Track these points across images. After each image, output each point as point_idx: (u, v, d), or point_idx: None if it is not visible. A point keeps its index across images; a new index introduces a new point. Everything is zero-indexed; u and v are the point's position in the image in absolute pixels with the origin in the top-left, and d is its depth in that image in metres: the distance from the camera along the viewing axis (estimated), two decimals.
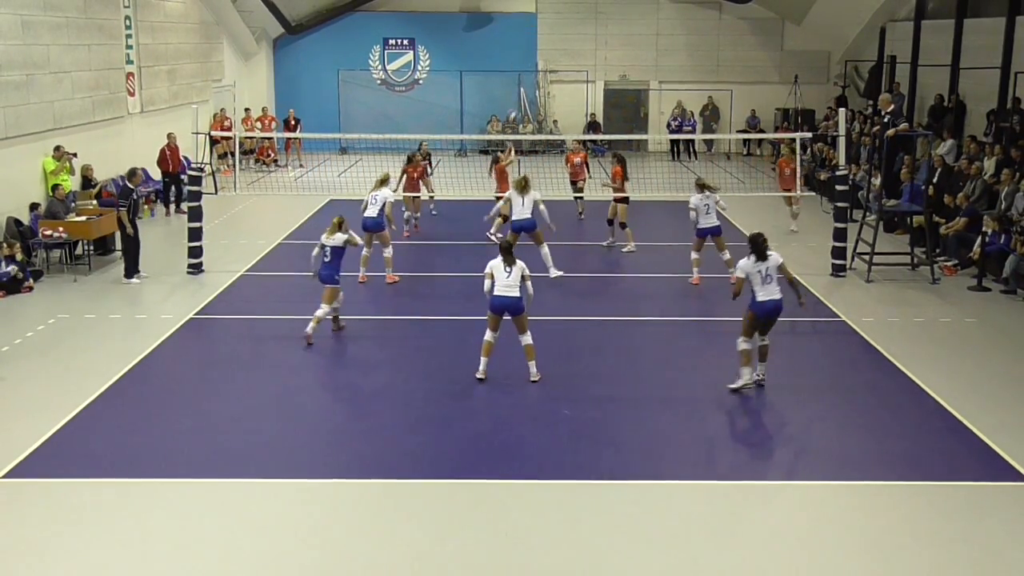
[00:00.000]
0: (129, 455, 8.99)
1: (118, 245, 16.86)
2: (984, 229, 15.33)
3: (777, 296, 10.43)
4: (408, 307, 14.04)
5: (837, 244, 15.75)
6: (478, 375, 10.84)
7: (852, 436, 9.55)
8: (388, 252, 14.92)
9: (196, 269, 15.62)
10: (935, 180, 18.11)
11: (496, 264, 10.79)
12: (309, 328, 11.98)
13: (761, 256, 10.41)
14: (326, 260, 12.14)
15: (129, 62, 21.11)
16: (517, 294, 10.71)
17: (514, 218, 15.13)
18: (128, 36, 21.08)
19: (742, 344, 10.55)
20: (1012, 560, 7.32)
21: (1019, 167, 17.03)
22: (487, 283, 10.75)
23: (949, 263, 15.95)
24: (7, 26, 16.08)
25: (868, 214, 17.11)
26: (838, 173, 16.23)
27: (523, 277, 10.76)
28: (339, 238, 12.18)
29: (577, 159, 19.95)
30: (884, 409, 10.23)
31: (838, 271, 15.62)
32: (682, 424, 9.86)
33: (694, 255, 15.07)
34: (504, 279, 10.69)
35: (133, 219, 15.19)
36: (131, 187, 15.51)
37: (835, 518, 7.97)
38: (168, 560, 7.24)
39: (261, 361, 11.82)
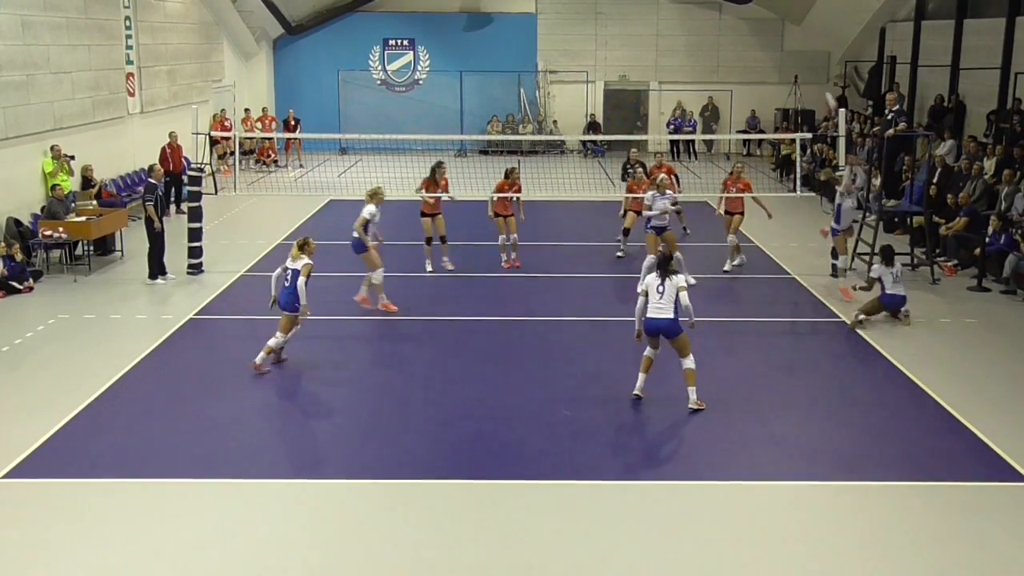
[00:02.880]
0: (129, 455, 8.99)
1: (118, 245, 16.92)
2: (990, 229, 15.38)
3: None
4: (408, 307, 14.02)
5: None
6: (635, 392, 10.15)
7: (852, 436, 9.55)
8: (376, 277, 13.29)
9: (196, 269, 15.62)
10: (935, 180, 18.12)
11: (650, 280, 9.93)
12: (258, 359, 11.03)
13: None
14: (286, 284, 11.03)
15: (129, 62, 21.10)
16: (671, 315, 9.83)
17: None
18: (128, 36, 21.08)
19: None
20: (1012, 560, 7.32)
21: (1019, 167, 17.04)
22: (640, 302, 9.92)
23: (949, 263, 15.95)
24: (7, 26, 16.08)
25: (868, 214, 17.10)
26: (838, 173, 16.22)
27: (678, 290, 9.83)
28: (301, 262, 11.01)
29: (662, 172, 16.85)
30: (884, 409, 10.24)
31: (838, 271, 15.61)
32: (682, 424, 9.85)
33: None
34: (657, 298, 9.81)
35: (160, 215, 15.09)
36: (154, 182, 15.31)
37: (835, 518, 7.97)
38: (168, 560, 7.24)
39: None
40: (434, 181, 15.28)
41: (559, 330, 12.96)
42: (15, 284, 14.31)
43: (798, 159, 19.06)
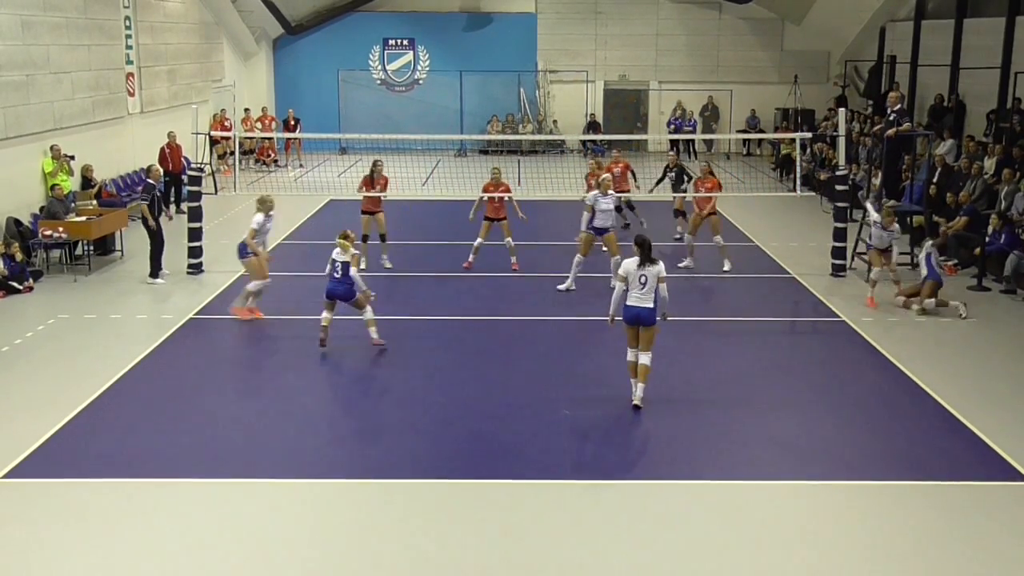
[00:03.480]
0: (129, 455, 8.99)
1: (118, 245, 16.92)
2: (990, 229, 15.38)
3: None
4: (408, 307, 14.03)
5: (837, 244, 15.75)
6: (635, 403, 10.01)
7: (852, 436, 9.55)
8: (253, 287, 13.08)
9: (196, 269, 15.62)
10: (935, 180, 18.12)
11: (631, 268, 9.77)
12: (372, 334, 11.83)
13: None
14: (336, 276, 11.68)
15: (129, 62, 21.11)
16: (651, 304, 9.76)
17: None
18: (128, 36, 21.08)
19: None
20: (1012, 560, 7.32)
21: (1019, 167, 17.04)
22: (619, 288, 9.80)
23: (949, 263, 15.95)
24: (7, 26, 16.08)
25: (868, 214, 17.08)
26: (838, 173, 16.24)
27: (659, 280, 9.74)
28: (349, 253, 11.75)
29: (617, 168, 17.94)
30: (884, 409, 10.24)
31: (838, 271, 15.63)
32: (682, 424, 9.85)
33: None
34: (639, 289, 9.71)
35: (156, 215, 15.15)
36: (152, 182, 15.45)
37: (835, 518, 7.97)
38: (168, 560, 7.24)
39: (261, 361, 11.83)
40: (371, 180, 15.66)
41: (559, 330, 12.97)
42: (15, 284, 14.31)
43: (798, 159, 19.06)
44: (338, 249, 11.73)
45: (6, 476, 8.52)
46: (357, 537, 7.63)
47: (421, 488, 8.44)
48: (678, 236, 17.95)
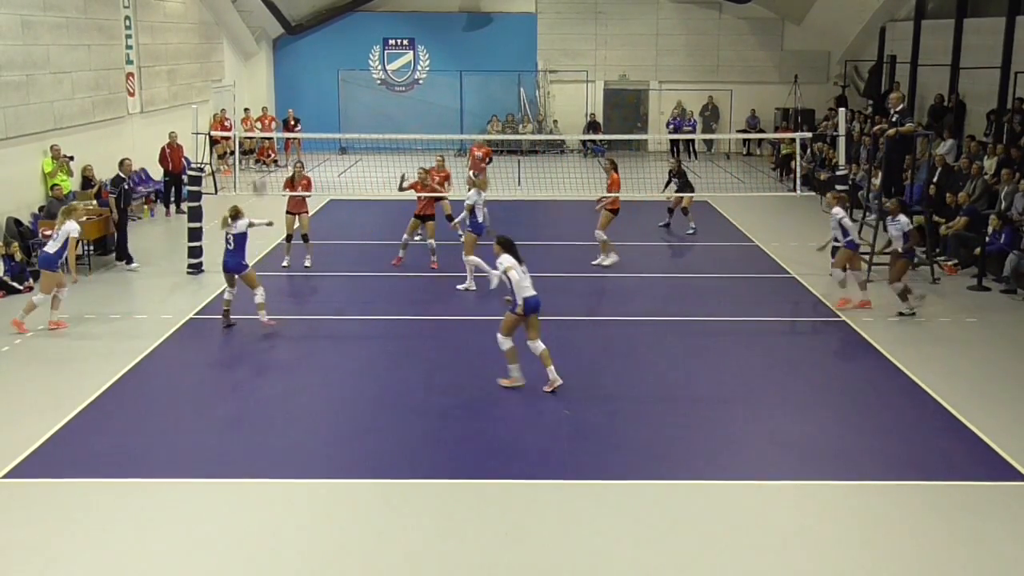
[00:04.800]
0: (129, 455, 8.99)
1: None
2: (990, 228, 15.37)
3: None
4: (408, 307, 14.03)
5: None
6: (518, 384, 10.56)
7: (852, 436, 9.54)
8: (37, 299, 12.55)
9: (196, 269, 15.63)
10: (935, 180, 18.12)
11: (512, 261, 10.47)
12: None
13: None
14: (230, 248, 12.39)
15: (129, 62, 21.11)
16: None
17: (479, 221, 14.63)
18: (128, 36, 21.09)
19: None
20: (1012, 560, 7.32)
21: (1019, 167, 17.03)
22: (495, 281, 10.49)
23: (949, 263, 15.95)
24: (7, 26, 16.08)
25: (868, 214, 17.09)
26: (838, 173, 16.23)
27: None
28: (242, 224, 12.38)
29: (479, 152, 19.33)
30: (884, 409, 10.23)
31: None
32: (682, 424, 9.86)
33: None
34: (526, 278, 10.44)
35: (122, 208, 15.62)
36: (121, 176, 15.96)
37: (835, 518, 7.97)
38: (168, 560, 7.24)
39: (261, 361, 11.83)
40: (292, 181, 16.09)
41: (559, 330, 12.95)
42: (15, 284, 14.31)
43: (798, 159, 19.06)
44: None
45: (6, 476, 8.52)
46: (356, 537, 7.62)
47: (421, 488, 8.44)
48: (691, 231, 18.50)
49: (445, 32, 30.98)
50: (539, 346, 10.53)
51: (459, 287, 14.52)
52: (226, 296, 12.72)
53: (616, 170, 16.40)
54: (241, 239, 12.43)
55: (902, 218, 13.67)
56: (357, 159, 27.75)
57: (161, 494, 8.24)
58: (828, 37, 30.02)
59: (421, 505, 8.14)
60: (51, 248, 12.51)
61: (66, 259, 12.50)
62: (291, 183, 16.17)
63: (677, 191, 18.91)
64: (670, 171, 19.44)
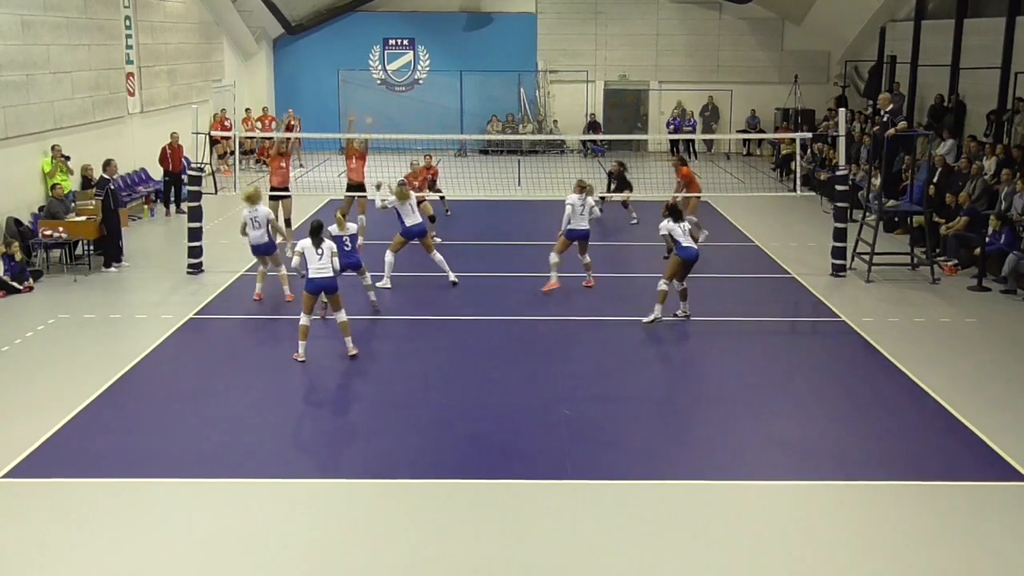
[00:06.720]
0: (129, 455, 8.99)
1: None
2: (990, 229, 15.38)
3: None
4: (408, 307, 14.03)
5: (837, 244, 15.75)
6: (299, 358, 11.39)
7: (852, 436, 9.54)
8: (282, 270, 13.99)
9: (196, 269, 15.63)
10: (935, 180, 18.12)
11: (307, 245, 11.35)
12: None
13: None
14: (347, 249, 12.83)
15: (129, 62, 21.11)
16: (332, 273, 11.37)
17: (408, 224, 14.56)
18: (128, 36, 21.09)
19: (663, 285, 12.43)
20: (1012, 560, 7.32)
21: (1019, 167, 17.03)
22: (296, 260, 11.41)
23: (949, 263, 15.95)
24: (7, 26, 16.08)
25: (868, 214, 17.10)
26: (838, 173, 16.24)
27: (333, 255, 11.41)
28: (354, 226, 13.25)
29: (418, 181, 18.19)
30: (884, 409, 10.23)
31: (838, 271, 15.63)
32: (682, 424, 9.86)
33: (555, 257, 14.42)
34: (317, 260, 11.30)
35: (110, 209, 15.53)
36: (106, 177, 15.85)
37: (835, 518, 7.97)
38: (167, 560, 7.24)
39: (261, 361, 11.83)
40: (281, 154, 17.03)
41: (559, 329, 12.96)
42: (15, 284, 14.31)
43: (798, 159, 19.06)
44: (334, 226, 12.79)
45: (6, 476, 8.52)
46: (357, 537, 7.62)
47: (421, 488, 8.44)
48: (634, 221, 19.46)
49: (445, 32, 30.99)
50: (341, 316, 11.52)
51: (378, 284, 14.29)
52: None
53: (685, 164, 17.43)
54: (353, 239, 13.06)
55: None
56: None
57: (161, 494, 8.24)
58: (828, 37, 30.02)
59: (421, 505, 8.14)
60: (258, 238, 13.62)
61: (274, 235, 13.81)
62: (279, 156, 16.80)
63: (614, 190, 19.62)
64: (609, 172, 20.23)
